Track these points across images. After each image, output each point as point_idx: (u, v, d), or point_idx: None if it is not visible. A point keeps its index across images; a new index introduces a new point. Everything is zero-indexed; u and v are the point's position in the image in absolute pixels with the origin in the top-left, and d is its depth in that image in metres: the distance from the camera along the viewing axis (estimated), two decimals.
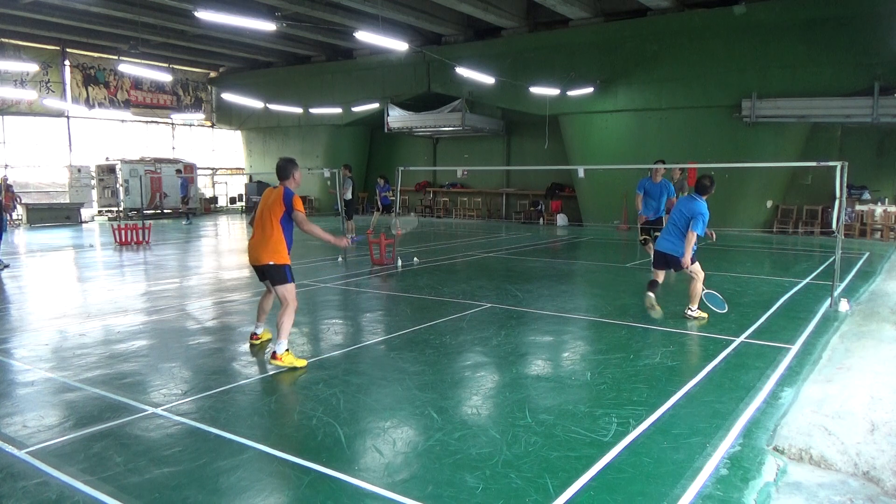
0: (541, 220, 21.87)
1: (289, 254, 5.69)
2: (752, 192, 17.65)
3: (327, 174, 14.23)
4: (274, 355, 5.44)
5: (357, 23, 18.63)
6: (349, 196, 15.08)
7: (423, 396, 4.62)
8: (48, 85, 24.02)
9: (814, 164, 8.76)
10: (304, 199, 26.80)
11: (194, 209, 25.06)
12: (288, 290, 5.62)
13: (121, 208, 24.40)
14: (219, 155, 30.68)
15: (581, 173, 11.69)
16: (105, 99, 25.79)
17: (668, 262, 7.13)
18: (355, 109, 24.22)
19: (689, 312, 7.07)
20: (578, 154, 20.03)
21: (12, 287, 9.34)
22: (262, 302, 6.15)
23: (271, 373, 5.24)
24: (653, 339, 6.19)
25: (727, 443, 3.80)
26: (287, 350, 5.47)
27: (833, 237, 8.43)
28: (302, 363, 5.48)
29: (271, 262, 5.62)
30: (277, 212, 5.54)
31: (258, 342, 6.10)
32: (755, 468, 3.49)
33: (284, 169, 5.65)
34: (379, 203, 17.02)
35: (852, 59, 15.73)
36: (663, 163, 10.63)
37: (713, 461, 3.55)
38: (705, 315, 7.04)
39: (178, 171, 23.93)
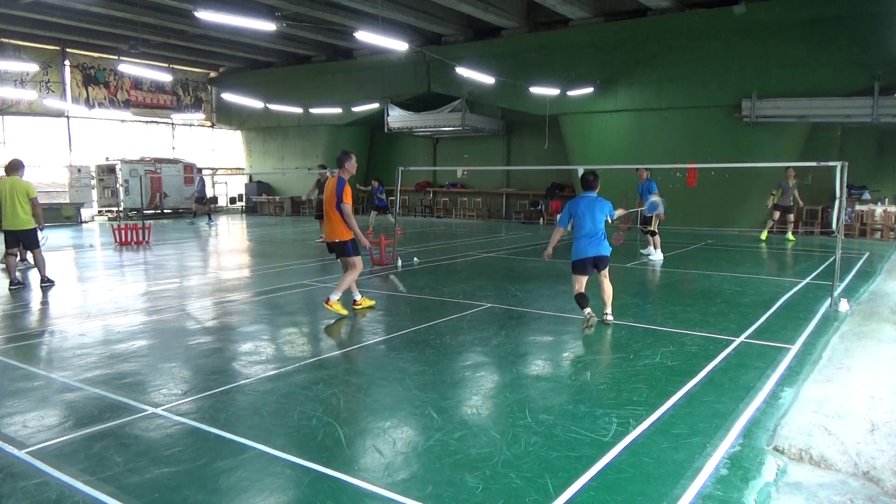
0: (541, 220, 21.88)
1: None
2: (753, 192, 17.64)
3: (328, 174, 14.44)
4: (328, 301, 7.14)
5: (357, 23, 18.63)
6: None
7: (423, 396, 4.61)
8: (48, 85, 24.02)
9: (814, 164, 8.76)
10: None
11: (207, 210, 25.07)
12: (352, 260, 7.31)
13: (121, 208, 24.40)
14: (219, 155, 30.68)
15: (581, 173, 11.71)
16: (105, 99, 25.79)
17: (600, 261, 6.79)
18: (355, 109, 24.21)
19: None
20: (578, 154, 20.03)
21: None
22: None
23: (272, 372, 5.24)
24: (653, 339, 6.18)
25: (727, 443, 3.80)
26: (338, 300, 7.17)
27: (833, 237, 8.43)
28: (345, 311, 7.19)
29: (336, 240, 7.21)
30: (332, 200, 7.08)
31: (359, 307, 7.49)
32: (755, 468, 3.49)
33: (339, 160, 7.29)
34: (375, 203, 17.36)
35: (852, 59, 15.72)
36: (647, 169, 11.78)
37: (713, 461, 3.55)
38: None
39: (199, 169, 24.33)
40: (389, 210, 17.52)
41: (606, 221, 6.83)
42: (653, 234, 11.89)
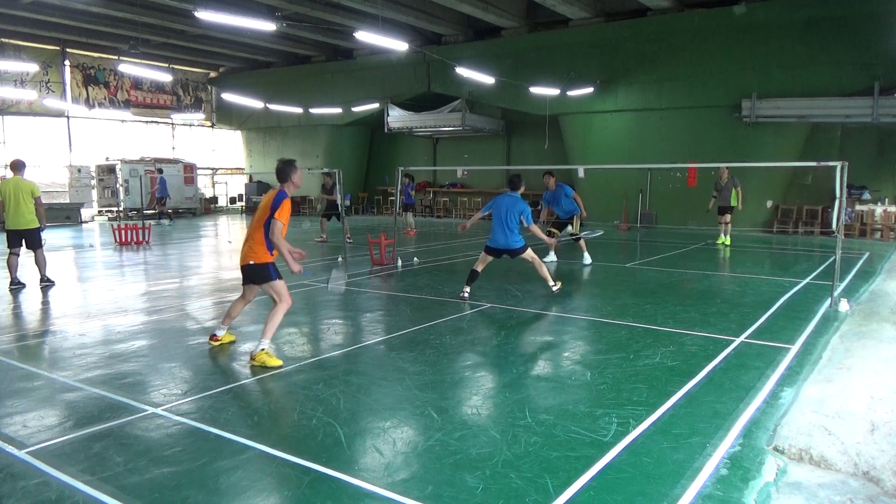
0: (539, 219, 21.86)
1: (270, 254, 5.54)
2: (752, 192, 17.63)
3: (329, 178, 14.46)
4: (252, 357, 5.37)
5: (357, 23, 18.64)
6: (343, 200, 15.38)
7: (423, 396, 4.61)
8: (48, 85, 24.02)
9: (814, 164, 8.76)
10: (304, 199, 26.72)
11: (168, 210, 24.71)
12: (275, 287, 5.52)
13: (121, 208, 24.39)
14: (219, 155, 30.68)
15: (581, 173, 11.70)
16: (105, 99, 25.79)
17: (510, 252, 8.14)
18: (355, 109, 24.22)
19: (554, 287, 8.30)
20: (578, 154, 20.03)
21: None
22: (232, 307, 6.04)
23: (272, 373, 5.23)
24: (653, 339, 6.18)
25: (727, 443, 3.80)
26: (263, 349, 5.35)
27: (833, 237, 8.43)
28: (277, 362, 5.34)
29: (251, 262, 5.51)
30: (263, 215, 5.43)
31: (217, 343, 5.97)
32: (755, 468, 3.49)
33: (282, 171, 5.54)
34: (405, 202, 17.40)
35: (852, 59, 15.73)
36: (551, 174, 11.61)
37: (713, 461, 3.55)
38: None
39: (160, 169, 23.95)
40: (402, 210, 17.41)
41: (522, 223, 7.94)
42: (577, 238, 11.32)
